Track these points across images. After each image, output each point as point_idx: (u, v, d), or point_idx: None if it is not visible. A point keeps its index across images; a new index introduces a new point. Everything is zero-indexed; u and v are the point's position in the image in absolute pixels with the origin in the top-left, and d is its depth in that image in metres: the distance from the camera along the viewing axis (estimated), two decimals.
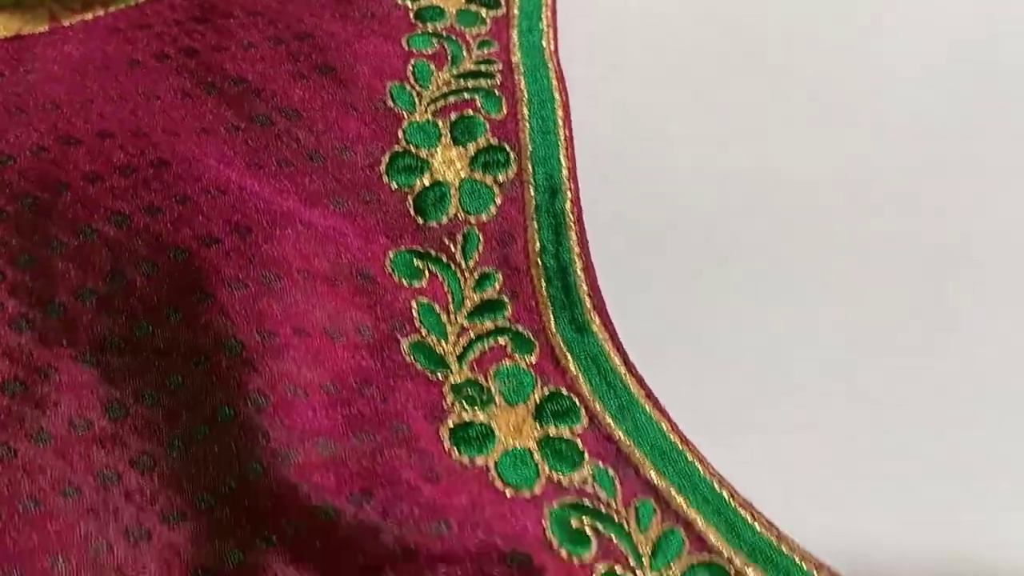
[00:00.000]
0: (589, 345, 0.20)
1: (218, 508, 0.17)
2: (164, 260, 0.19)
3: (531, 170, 0.22)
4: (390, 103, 0.22)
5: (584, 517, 0.18)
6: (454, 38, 0.24)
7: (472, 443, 0.18)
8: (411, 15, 0.24)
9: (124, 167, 0.20)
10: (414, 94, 0.22)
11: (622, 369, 0.20)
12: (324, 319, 0.19)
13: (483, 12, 0.24)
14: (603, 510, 0.18)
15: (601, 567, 0.17)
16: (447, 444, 0.18)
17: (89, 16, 0.23)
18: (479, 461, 0.18)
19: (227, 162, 0.20)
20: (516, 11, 0.25)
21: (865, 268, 0.22)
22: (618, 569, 0.17)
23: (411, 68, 0.23)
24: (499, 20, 0.25)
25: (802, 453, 0.20)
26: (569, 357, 0.20)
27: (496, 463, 0.18)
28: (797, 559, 0.18)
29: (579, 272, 0.21)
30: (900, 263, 0.22)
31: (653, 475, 0.19)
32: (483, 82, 0.23)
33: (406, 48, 0.23)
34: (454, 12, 0.24)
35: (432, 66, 0.23)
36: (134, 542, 0.17)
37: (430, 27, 0.24)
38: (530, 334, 0.20)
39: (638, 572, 0.18)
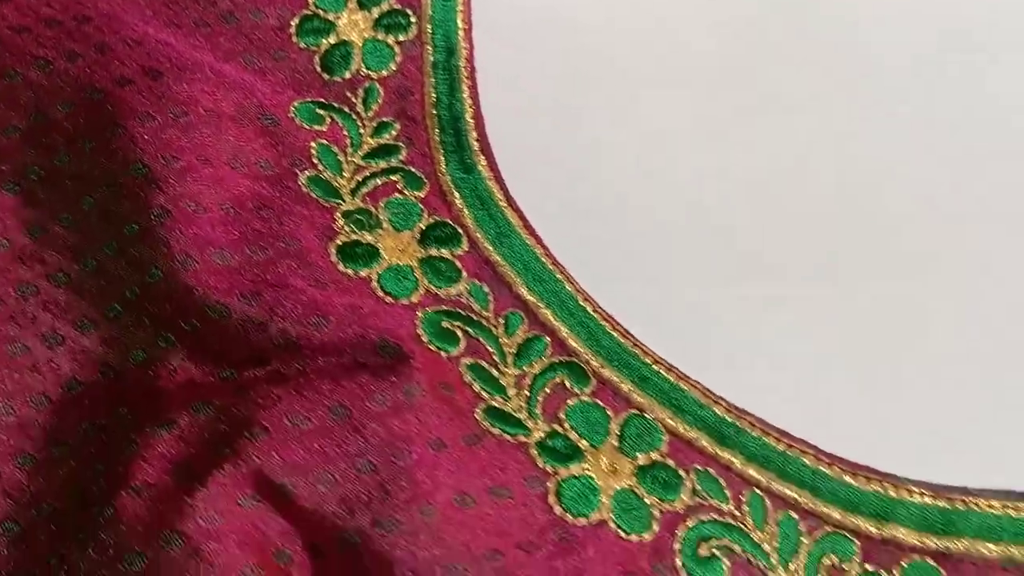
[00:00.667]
0: (475, 182, 0.22)
1: (124, 315, 0.19)
2: (82, 99, 0.21)
3: (430, 31, 0.24)
4: None
5: (455, 321, 0.20)
6: None
7: (358, 259, 0.20)
8: None
9: (50, 20, 0.22)
10: None
11: (503, 203, 0.22)
12: (227, 152, 0.21)
13: None
14: (474, 318, 0.20)
15: (466, 360, 0.19)
16: (334, 258, 0.20)
17: None
18: (363, 273, 0.20)
19: (146, 20, 0.22)
20: None
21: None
22: (483, 364, 0.19)
23: None
24: None
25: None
26: (456, 193, 0.22)
27: (379, 276, 0.20)
28: (650, 362, 0.20)
29: (469, 120, 0.23)
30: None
31: (524, 291, 0.20)
32: None
33: None
34: None
35: None
36: (49, 346, 0.19)
37: None
38: (421, 174, 0.22)
39: (501, 368, 0.19)
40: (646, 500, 0.18)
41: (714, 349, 0.21)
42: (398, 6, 0.24)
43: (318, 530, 0.17)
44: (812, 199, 0.23)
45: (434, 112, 0.23)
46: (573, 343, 0.20)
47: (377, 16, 0.24)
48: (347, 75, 0.23)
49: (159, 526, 0.16)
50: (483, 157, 0.22)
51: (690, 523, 0.18)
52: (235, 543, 0.16)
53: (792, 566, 0.18)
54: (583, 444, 0.19)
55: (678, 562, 0.18)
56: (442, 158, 0.22)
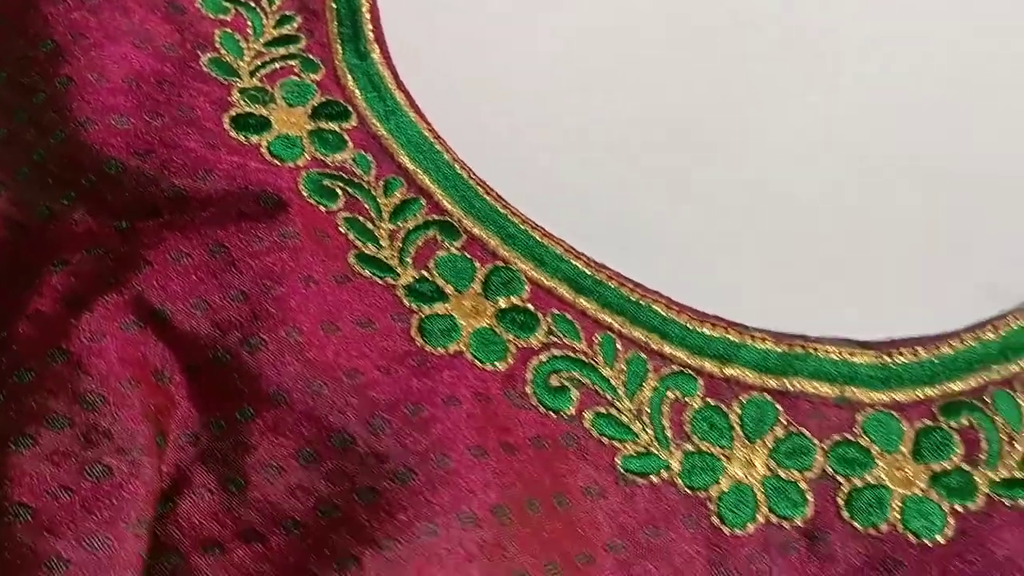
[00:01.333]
0: (367, 68, 0.24)
1: (31, 176, 0.21)
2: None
3: None
4: None
5: (336, 181, 0.21)
6: None
7: (250, 128, 0.22)
8: None
9: None
10: None
11: (392, 85, 0.23)
12: (133, 33, 0.22)
13: None
14: (355, 180, 0.21)
15: (344, 214, 0.21)
16: (227, 126, 0.22)
17: None
18: (254, 140, 0.22)
19: None
20: None
21: None
22: (359, 218, 0.21)
23: None
24: None
25: None
26: (349, 76, 0.23)
27: (268, 143, 0.22)
28: (518, 221, 0.21)
29: (366, 14, 0.24)
30: None
31: (405, 160, 0.22)
32: None
33: None
34: None
35: None
36: None
37: None
38: (319, 60, 0.24)
39: (377, 223, 0.21)
40: (503, 337, 0.20)
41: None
42: None
43: (193, 350, 0.18)
44: None
45: (333, 6, 0.25)
46: (447, 204, 0.22)
47: None
48: None
49: (47, 345, 0.18)
50: (377, 46, 0.24)
51: (543, 357, 0.20)
52: (116, 360, 0.18)
53: (638, 398, 0.20)
54: (448, 289, 0.20)
55: (528, 389, 0.19)
56: (339, 47, 0.24)
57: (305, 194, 0.21)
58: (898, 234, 0.23)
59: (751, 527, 0.19)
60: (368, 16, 0.24)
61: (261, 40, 0.24)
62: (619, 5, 0.26)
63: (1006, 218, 0.23)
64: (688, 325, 0.21)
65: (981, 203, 0.24)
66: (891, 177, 0.24)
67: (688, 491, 0.19)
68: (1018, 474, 0.19)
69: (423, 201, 0.22)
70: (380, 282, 0.20)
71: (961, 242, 0.23)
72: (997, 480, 0.19)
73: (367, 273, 0.20)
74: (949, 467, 0.20)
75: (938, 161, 0.24)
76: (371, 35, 0.24)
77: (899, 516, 0.19)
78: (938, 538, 0.19)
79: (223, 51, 0.23)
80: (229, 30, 0.24)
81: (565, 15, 0.26)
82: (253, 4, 0.24)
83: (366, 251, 0.21)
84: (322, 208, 0.21)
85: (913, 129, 0.25)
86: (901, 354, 0.21)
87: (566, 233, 0.22)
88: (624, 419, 0.19)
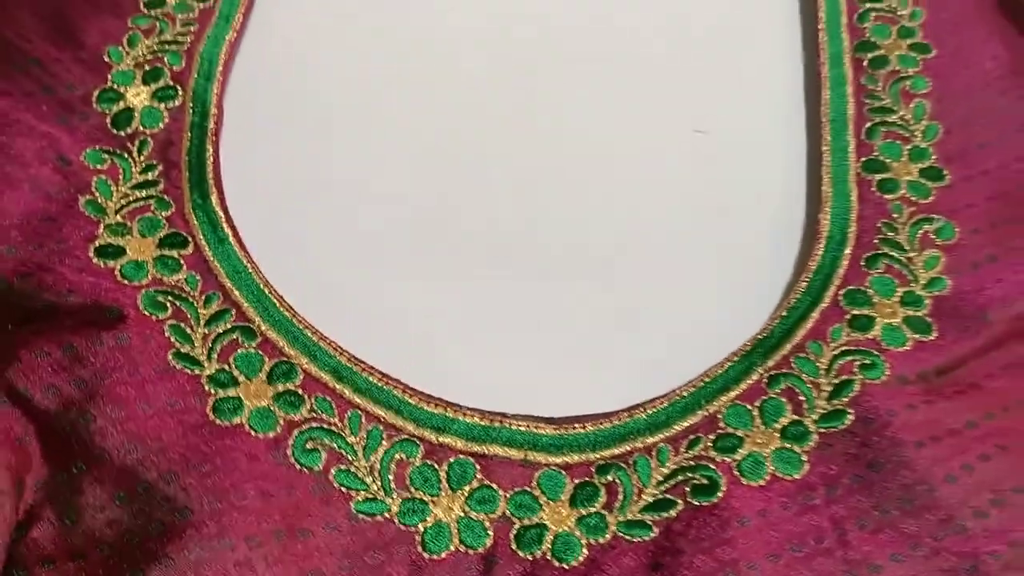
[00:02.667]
0: (207, 207, 0.32)
1: None
2: None
3: (191, 102, 0.33)
4: (106, 59, 0.34)
5: (168, 296, 0.29)
6: (167, 21, 0.36)
7: (108, 255, 0.30)
8: (140, 3, 0.36)
9: None
10: (124, 53, 0.34)
11: (224, 223, 0.31)
12: (28, 180, 0.30)
13: (195, 4, 0.36)
14: (183, 295, 0.29)
15: (170, 322, 0.29)
16: (91, 254, 0.30)
17: None
18: (110, 264, 0.29)
19: None
20: (216, 11, 0.37)
21: None
22: (181, 325, 0.29)
23: (126, 38, 0.35)
24: (205, 12, 0.36)
25: None
26: (192, 214, 0.31)
27: (121, 267, 0.30)
28: (301, 326, 0.29)
29: (209, 165, 0.32)
30: None
31: (225, 279, 0.30)
32: (173, 47, 0.35)
33: (129, 24, 0.35)
34: (173, 3, 0.36)
35: (143, 36, 0.35)
36: None
37: (152, 12, 0.36)
38: (171, 200, 0.32)
39: (194, 328, 0.29)
40: (276, 413, 0.28)
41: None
42: (171, 83, 0.34)
43: (45, 422, 0.26)
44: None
45: (186, 158, 0.33)
46: (250, 313, 0.29)
47: (155, 89, 0.34)
48: (128, 131, 0.33)
49: None
50: (216, 191, 0.32)
51: (304, 428, 0.28)
52: None
53: (372, 458, 0.27)
54: (241, 378, 0.28)
55: (288, 451, 0.27)
56: (187, 190, 0.32)
57: (141, 307, 0.29)
58: (575, 331, 0.31)
59: (444, 554, 0.27)
60: (211, 167, 0.32)
61: (129, 184, 0.32)
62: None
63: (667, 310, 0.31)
64: (416, 403, 0.28)
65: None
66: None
67: (403, 527, 0.27)
68: (639, 517, 0.27)
69: (232, 311, 0.29)
70: (189, 372, 0.28)
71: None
72: (623, 521, 0.27)
73: (180, 366, 0.28)
74: (592, 511, 0.27)
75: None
76: (212, 182, 0.32)
77: (550, 547, 0.27)
78: (573, 563, 0.27)
79: (97, 194, 0.31)
80: (104, 177, 0.32)
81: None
82: (125, 154, 0.32)
83: (182, 350, 0.28)
84: (153, 318, 0.29)
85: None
86: (574, 427, 0.28)
87: (336, 332, 0.30)
88: (360, 474, 0.27)
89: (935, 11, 0.38)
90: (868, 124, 0.35)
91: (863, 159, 0.34)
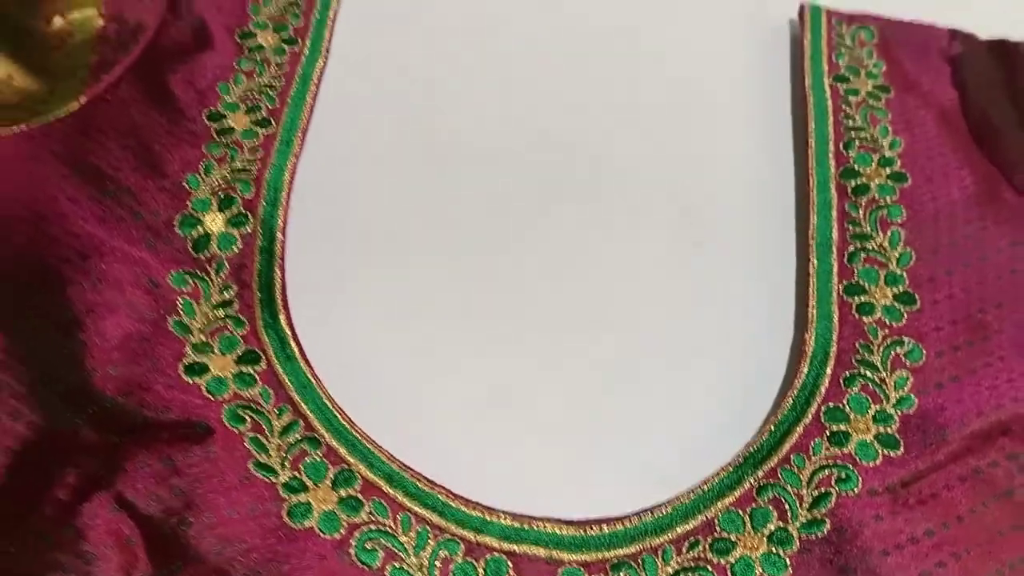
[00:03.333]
0: (276, 327, 0.37)
1: (56, 402, 0.34)
2: (35, 267, 0.35)
3: (261, 229, 0.39)
4: (186, 186, 0.39)
5: (246, 410, 0.34)
6: (236, 149, 0.41)
7: (195, 372, 0.35)
8: (212, 132, 0.41)
9: (15, 218, 0.37)
10: (201, 180, 0.39)
11: (292, 341, 0.36)
12: (125, 304, 0.35)
13: (259, 131, 0.41)
14: (259, 409, 0.35)
15: (249, 434, 0.34)
16: (181, 371, 0.35)
17: None
18: (196, 381, 0.35)
19: (84, 219, 0.37)
20: (280, 132, 0.42)
21: None
22: (259, 436, 0.34)
23: (202, 165, 0.40)
24: (268, 137, 0.42)
25: None
26: (263, 332, 0.36)
27: (206, 383, 0.35)
28: (360, 437, 0.34)
29: (278, 289, 0.37)
30: None
31: (294, 394, 0.35)
32: (244, 175, 0.40)
33: (204, 151, 0.40)
34: (240, 130, 0.41)
35: (216, 164, 0.40)
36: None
37: (223, 140, 0.41)
38: (245, 319, 0.37)
39: (270, 439, 0.34)
40: (340, 516, 0.33)
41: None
42: (243, 210, 0.39)
43: (149, 527, 0.31)
44: None
45: (257, 279, 0.38)
46: (316, 424, 0.34)
47: (229, 216, 0.39)
48: (207, 254, 0.38)
49: (62, 522, 0.31)
50: (283, 311, 0.37)
51: (363, 529, 0.33)
52: (104, 532, 0.30)
53: (421, 556, 0.33)
54: (309, 484, 0.33)
55: (351, 551, 0.32)
56: (258, 310, 0.37)
57: (225, 421, 0.34)
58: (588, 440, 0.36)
59: None
60: (279, 289, 0.37)
61: (209, 304, 0.37)
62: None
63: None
64: (457, 507, 0.33)
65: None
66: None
67: None
68: None
69: (301, 422, 0.35)
70: (266, 480, 0.33)
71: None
72: None
73: (259, 475, 0.33)
74: None
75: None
76: (280, 303, 0.37)
77: None
78: None
79: (183, 314, 0.36)
80: (188, 298, 0.37)
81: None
82: (204, 276, 0.37)
83: (260, 459, 0.33)
84: (235, 431, 0.34)
85: None
86: (591, 529, 0.34)
87: (389, 442, 0.35)
88: (411, 570, 0.32)
89: (912, 140, 0.43)
90: (850, 249, 0.40)
91: (845, 282, 0.39)
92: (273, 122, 0.42)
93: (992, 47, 0.46)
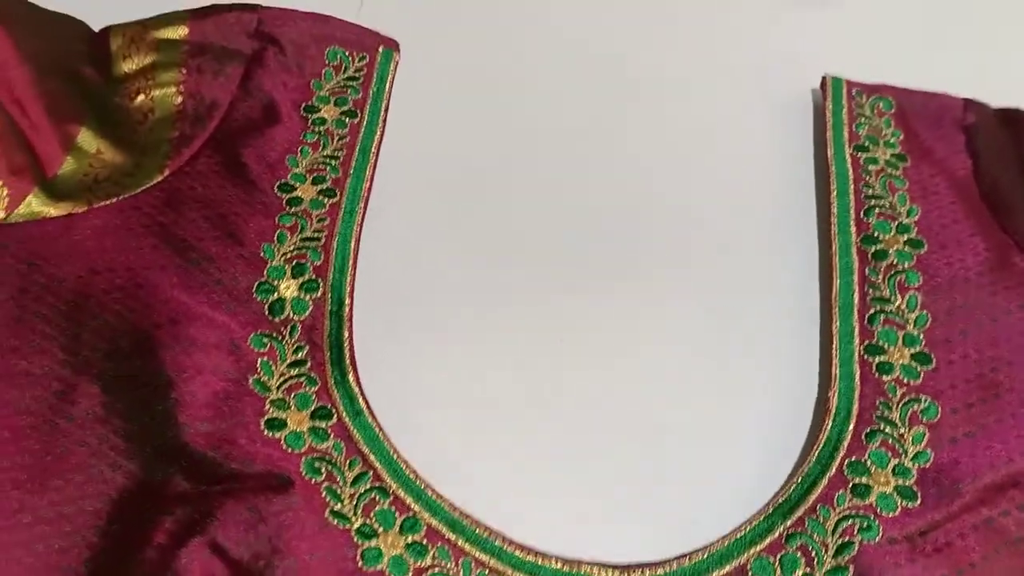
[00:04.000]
0: (345, 383, 0.40)
1: (150, 453, 0.38)
2: (130, 331, 0.40)
3: (330, 293, 0.43)
4: (261, 255, 0.43)
5: (322, 462, 0.38)
6: (305, 219, 0.45)
7: (275, 427, 0.38)
8: (283, 202, 0.45)
9: (116, 287, 0.41)
10: (275, 249, 0.43)
11: (360, 398, 0.40)
12: (212, 366, 0.39)
13: (326, 200, 0.46)
14: (332, 461, 0.38)
15: (325, 484, 0.38)
16: (262, 427, 0.39)
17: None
18: (276, 435, 0.38)
19: (172, 286, 0.41)
20: (344, 201, 0.46)
21: None
22: (333, 486, 0.38)
23: (276, 235, 0.44)
24: (333, 206, 0.46)
25: None
26: (334, 390, 0.40)
27: (284, 437, 0.38)
28: (423, 486, 0.38)
29: (347, 349, 0.41)
30: None
31: (363, 447, 0.39)
32: (313, 243, 0.44)
33: (277, 222, 0.44)
34: (308, 200, 0.45)
35: (288, 233, 0.44)
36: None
37: (292, 210, 0.45)
38: (317, 376, 0.41)
39: (342, 489, 0.38)
40: (407, 561, 0.36)
41: None
42: (314, 276, 0.43)
43: (240, 571, 0.35)
44: None
45: (327, 339, 0.42)
46: (383, 475, 0.38)
47: (301, 282, 0.43)
48: (281, 317, 0.42)
49: (163, 567, 0.35)
50: (352, 369, 0.41)
51: (429, 573, 0.36)
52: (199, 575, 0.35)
53: None
54: (379, 530, 0.37)
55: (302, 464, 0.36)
56: (329, 368, 0.41)
57: (303, 473, 0.38)
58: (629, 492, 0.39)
59: None
60: (347, 348, 0.41)
61: (284, 363, 0.41)
62: None
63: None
64: (513, 552, 0.37)
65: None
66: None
67: None
68: None
69: (370, 473, 0.38)
70: (341, 528, 0.37)
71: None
72: None
73: (335, 522, 0.37)
74: None
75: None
76: (348, 362, 0.41)
77: None
78: None
79: (262, 373, 0.40)
80: (266, 358, 0.41)
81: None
82: (280, 338, 0.41)
83: (335, 508, 0.37)
84: (312, 481, 0.38)
85: None
86: (635, 572, 0.37)
87: (450, 490, 0.38)
88: None
89: (928, 208, 0.46)
90: (870, 312, 0.43)
91: (865, 343, 0.42)
92: (337, 192, 0.46)
93: (1003, 116, 0.50)
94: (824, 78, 0.51)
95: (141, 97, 0.47)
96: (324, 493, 0.37)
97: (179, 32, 0.49)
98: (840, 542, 0.37)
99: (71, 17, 0.50)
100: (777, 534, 0.37)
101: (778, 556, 0.37)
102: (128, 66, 0.48)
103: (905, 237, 0.45)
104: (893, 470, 0.38)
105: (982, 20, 0.57)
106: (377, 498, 0.37)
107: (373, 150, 0.48)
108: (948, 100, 0.50)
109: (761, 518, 0.38)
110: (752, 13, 0.56)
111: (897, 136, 0.49)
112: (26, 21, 0.47)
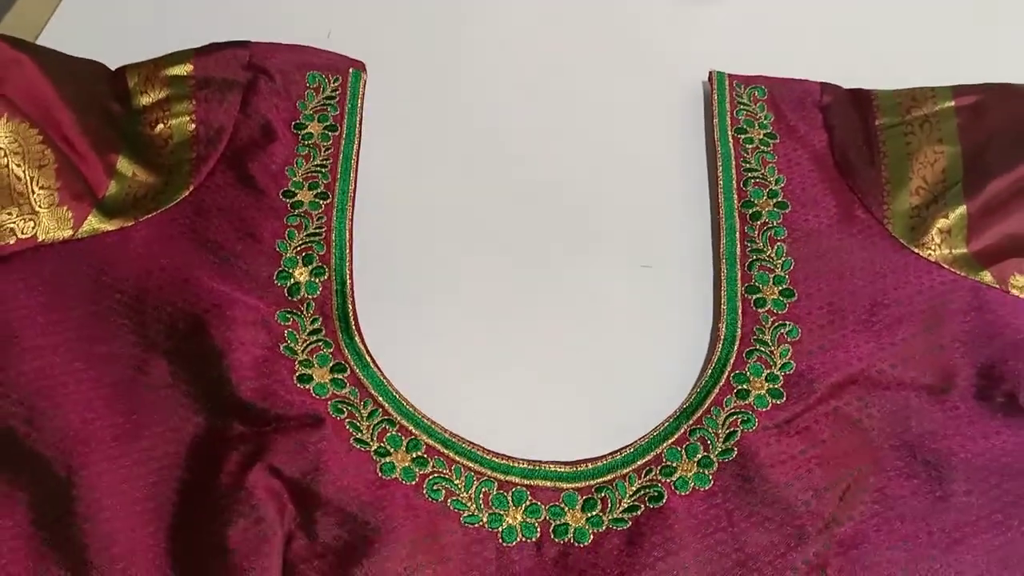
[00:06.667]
0: (353, 345, 0.53)
1: (214, 408, 0.50)
2: (184, 314, 0.52)
3: (334, 276, 0.55)
4: (277, 250, 0.55)
5: (343, 404, 0.51)
6: (308, 218, 0.57)
7: (304, 381, 0.51)
8: (288, 206, 0.57)
9: (168, 282, 0.53)
10: (288, 245, 0.56)
11: (366, 354, 0.52)
12: (249, 336, 0.52)
13: (321, 202, 0.58)
14: (351, 402, 0.51)
15: (347, 420, 0.50)
16: (294, 380, 0.51)
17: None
18: (307, 387, 0.51)
19: (211, 278, 0.53)
20: (336, 201, 0.58)
21: None
22: (354, 420, 0.50)
23: (287, 233, 0.56)
24: (328, 206, 0.58)
25: None
26: (345, 349, 0.53)
27: (312, 388, 0.51)
28: (420, 415, 0.51)
29: (352, 317, 0.54)
30: None
31: (372, 391, 0.51)
32: (316, 238, 0.56)
33: (286, 222, 0.56)
34: (307, 202, 0.57)
35: (296, 231, 0.56)
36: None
37: (296, 211, 0.57)
38: (331, 340, 0.53)
39: (360, 423, 0.50)
40: (414, 470, 0.49)
41: None
42: (320, 263, 0.55)
43: (290, 485, 0.48)
44: None
45: (336, 311, 0.54)
46: (390, 411, 0.50)
47: (311, 269, 0.55)
48: (298, 297, 0.54)
49: (238, 485, 0.47)
50: (357, 332, 0.53)
51: (430, 477, 0.49)
52: (262, 489, 0.47)
53: (470, 491, 0.49)
54: (391, 450, 0.50)
55: (424, 492, 0.49)
56: (339, 333, 0.53)
57: (330, 412, 0.50)
58: (570, 402, 0.53)
59: (514, 543, 0.48)
60: (352, 317, 0.54)
61: (305, 332, 0.53)
62: None
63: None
64: (491, 458, 0.49)
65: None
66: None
67: (490, 531, 0.49)
68: (621, 516, 0.49)
69: (380, 410, 0.51)
70: (363, 450, 0.50)
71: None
72: (612, 518, 0.49)
73: (358, 447, 0.50)
74: (594, 514, 0.49)
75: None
76: (354, 327, 0.53)
77: (572, 536, 0.48)
78: (585, 543, 0.48)
79: (289, 341, 0.52)
80: (291, 330, 0.53)
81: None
82: (299, 313, 0.54)
83: (357, 436, 0.50)
84: (338, 418, 0.50)
85: None
86: (581, 466, 0.50)
87: (441, 416, 0.51)
88: (464, 501, 0.49)
89: (792, 177, 0.59)
90: (749, 260, 0.56)
91: (746, 285, 0.56)
92: (330, 194, 0.58)
93: (853, 95, 0.63)
94: (710, 72, 0.64)
95: (160, 126, 0.58)
96: (347, 426, 0.50)
97: (186, 68, 0.60)
98: (728, 431, 0.50)
99: (90, 60, 0.60)
100: (683, 431, 0.51)
101: (684, 446, 0.50)
102: (145, 100, 0.59)
103: (774, 201, 0.58)
104: (766, 377, 0.52)
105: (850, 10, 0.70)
106: (387, 427, 0.50)
107: (354, 156, 0.60)
108: (809, 84, 0.63)
109: (671, 420, 0.51)
110: (655, 14, 0.69)
111: (769, 119, 0.62)
112: (59, 66, 0.57)
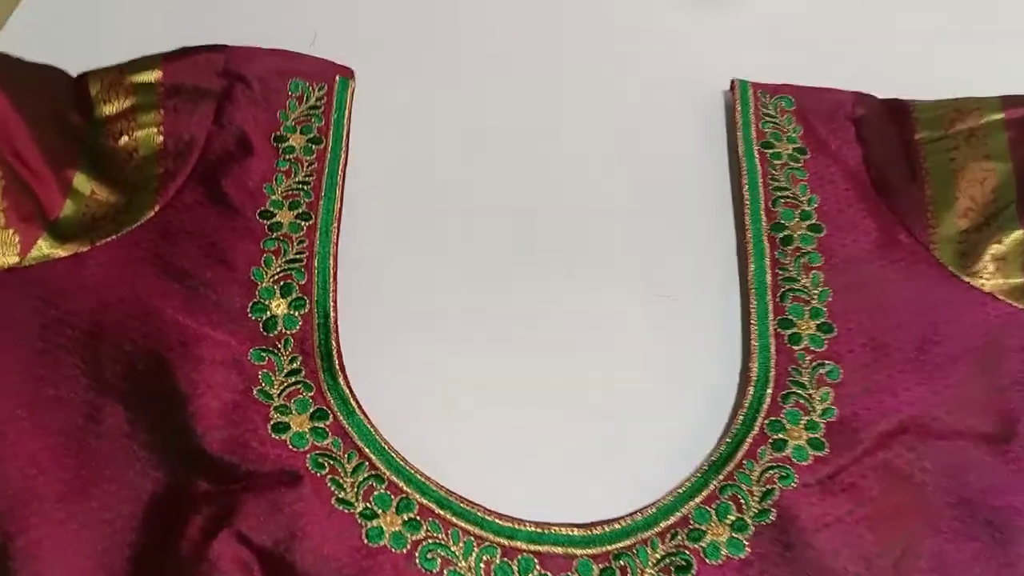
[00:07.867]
0: (337, 388, 0.47)
1: (176, 461, 0.44)
2: (145, 355, 0.45)
3: (316, 309, 0.49)
4: (252, 278, 0.49)
5: (324, 458, 0.44)
6: (287, 242, 0.51)
7: (280, 430, 0.45)
8: (265, 228, 0.51)
9: (132, 314, 0.47)
10: (264, 272, 0.49)
11: (351, 397, 0.46)
12: (219, 381, 0.45)
13: (302, 224, 0.51)
14: (333, 455, 0.45)
15: (329, 476, 0.44)
16: (269, 431, 0.45)
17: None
18: (282, 437, 0.44)
19: (176, 311, 0.47)
20: (319, 222, 0.52)
21: None
22: (336, 477, 0.44)
23: (263, 259, 0.50)
24: (310, 228, 0.51)
25: None
26: (328, 392, 0.46)
27: (290, 439, 0.44)
28: (414, 472, 0.45)
29: (335, 355, 0.47)
30: None
31: (358, 441, 0.45)
32: (296, 264, 0.50)
33: (262, 247, 0.50)
34: (287, 224, 0.51)
35: (273, 257, 0.50)
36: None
37: (274, 235, 0.51)
38: (311, 382, 0.47)
39: (344, 479, 0.44)
40: (405, 535, 0.43)
41: None
42: (300, 294, 0.49)
43: (265, 555, 0.41)
44: None
45: (317, 349, 0.48)
46: (378, 465, 0.44)
47: (289, 300, 0.49)
48: (275, 333, 0.48)
49: (199, 558, 0.41)
50: (341, 373, 0.47)
51: (424, 543, 0.43)
52: (229, 560, 0.41)
53: (469, 560, 0.43)
54: (379, 511, 0.43)
55: (417, 562, 0.43)
56: (321, 374, 0.47)
57: (309, 468, 0.44)
58: (586, 460, 0.47)
59: None
60: (336, 356, 0.47)
61: (282, 374, 0.47)
62: None
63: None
64: (493, 520, 0.43)
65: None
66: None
67: None
68: None
69: (366, 463, 0.45)
70: (347, 512, 0.43)
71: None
72: None
73: (340, 508, 0.43)
74: None
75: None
76: (337, 367, 0.47)
77: None
78: None
79: (264, 384, 0.46)
80: (266, 370, 0.47)
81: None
82: (275, 351, 0.47)
83: (340, 496, 0.44)
84: (318, 474, 0.44)
85: None
86: (596, 529, 0.44)
87: (435, 471, 0.45)
88: (463, 571, 0.43)
89: (826, 196, 0.54)
90: (781, 290, 0.50)
91: (778, 318, 0.50)
92: (312, 215, 0.51)
93: (888, 106, 0.57)
94: (733, 81, 0.58)
95: (125, 138, 0.52)
96: (329, 484, 0.44)
97: (154, 75, 0.54)
98: (764, 489, 0.44)
99: (50, 66, 0.54)
100: (712, 488, 0.45)
101: (714, 505, 0.44)
102: (108, 109, 0.53)
103: (807, 223, 0.52)
104: (805, 425, 0.46)
105: (873, 19, 0.64)
106: (374, 484, 0.44)
107: (340, 173, 0.54)
108: (840, 95, 0.58)
109: (698, 475, 0.45)
110: (671, 22, 0.63)
111: (798, 131, 0.56)
112: (15, 75, 0.51)
